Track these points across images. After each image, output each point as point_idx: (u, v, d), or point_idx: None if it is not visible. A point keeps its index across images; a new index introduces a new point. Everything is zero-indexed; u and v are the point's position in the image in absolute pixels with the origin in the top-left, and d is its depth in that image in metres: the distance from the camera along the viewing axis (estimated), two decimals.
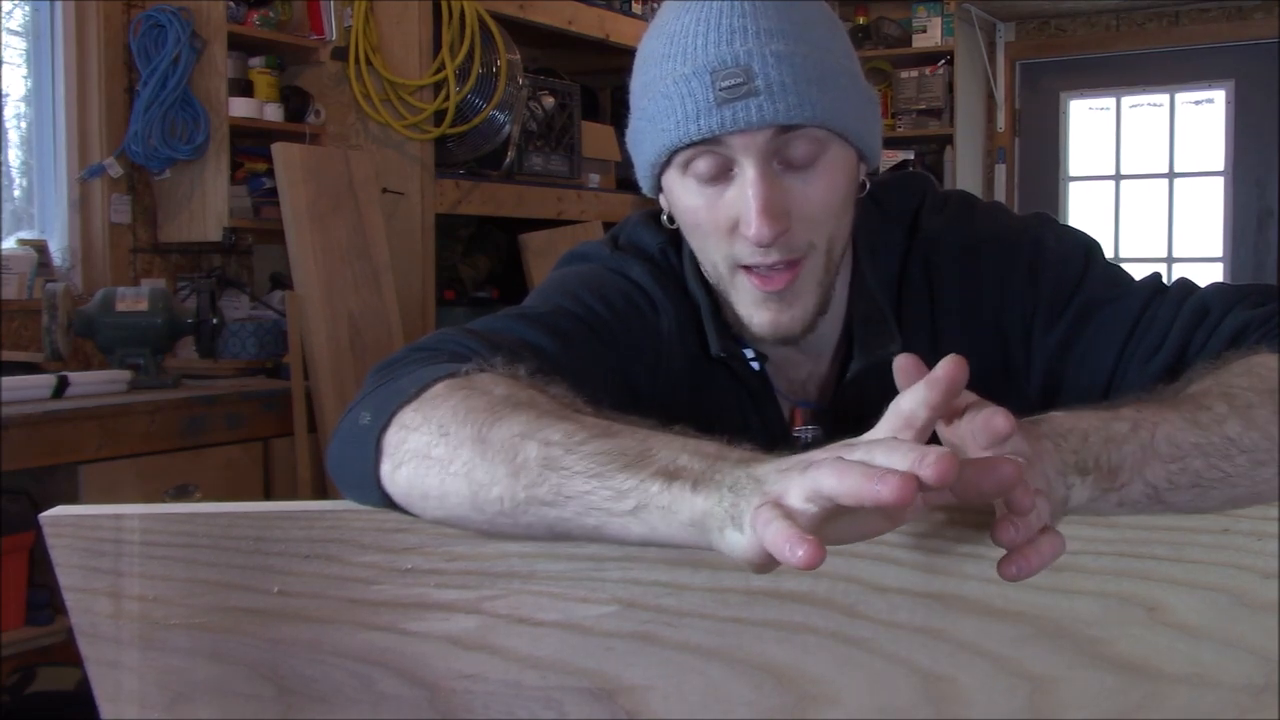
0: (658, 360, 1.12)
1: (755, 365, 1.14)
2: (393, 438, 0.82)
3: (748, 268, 1.04)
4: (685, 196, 1.04)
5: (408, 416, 0.83)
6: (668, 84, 1.00)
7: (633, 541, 0.74)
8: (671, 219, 1.11)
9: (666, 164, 1.04)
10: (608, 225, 1.12)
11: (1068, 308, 1.08)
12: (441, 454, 0.79)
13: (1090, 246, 1.12)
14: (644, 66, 1.05)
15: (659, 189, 1.09)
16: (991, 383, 1.08)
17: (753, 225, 0.99)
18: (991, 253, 1.11)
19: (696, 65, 0.99)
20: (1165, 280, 1.11)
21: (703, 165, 1.01)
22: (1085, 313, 1.08)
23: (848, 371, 1.12)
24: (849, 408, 1.13)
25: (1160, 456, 0.81)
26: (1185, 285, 1.08)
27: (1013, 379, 1.11)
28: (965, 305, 1.12)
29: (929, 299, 1.12)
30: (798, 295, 1.04)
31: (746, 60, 0.97)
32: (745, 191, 0.99)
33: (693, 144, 1.00)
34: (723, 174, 1.01)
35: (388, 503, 0.82)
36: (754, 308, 1.05)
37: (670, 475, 0.71)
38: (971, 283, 1.11)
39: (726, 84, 0.97)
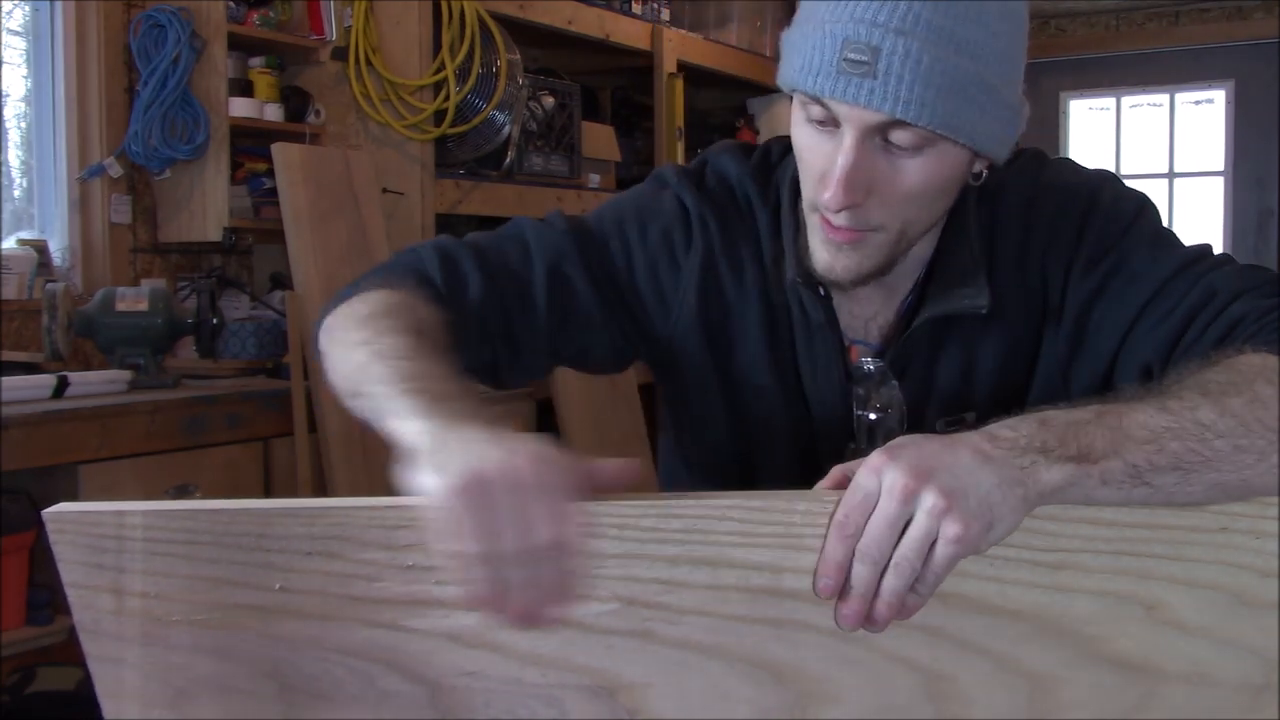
0: (682, 293, 1.19)
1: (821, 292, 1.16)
2: (325, 324, 1.08)
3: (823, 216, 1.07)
4: (799, 129, 1.08)
5: (330, 317, 1.07)
6: (812, 26, 1.02)
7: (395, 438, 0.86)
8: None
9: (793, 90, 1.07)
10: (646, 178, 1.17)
11: (1103, 261, 1.11)
12: (330, 349, 1.04)
13: (1144, 205, 1.15)
14: None
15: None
16: (1031, 325, 1.15)
17: (829, 189, 1.02)
18: (1049, 201, 1.15)
19: (837, 24, 1.00)
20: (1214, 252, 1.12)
21: (816, 112, 1.04)
22: (1117, 269, 1.11)
23: (917, 316, 1.14)
24: (911, 351, 1.16)
25: (1134, 438, 0.83)
26: (1215, 262, 1.10)
27: (1049, 323, 1.14)
28: (1020, 250, 1.14)
29: (990, 244, 1.15)
30: (858, 252, 1.08)
31: (879, 41, 0.98)
32: (837, 154, 1.02)
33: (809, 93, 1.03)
34: (832, 124, 1.03)
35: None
36: (819, 246, 1.10)
37: (415, 394, 0.87)
38: (1026, 232, 1.14)
39: (851, 56, 0.99)
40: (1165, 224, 1.15)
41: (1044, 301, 1.14)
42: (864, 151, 1.01)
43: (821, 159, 1.05)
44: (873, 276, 1.10)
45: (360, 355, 0.96)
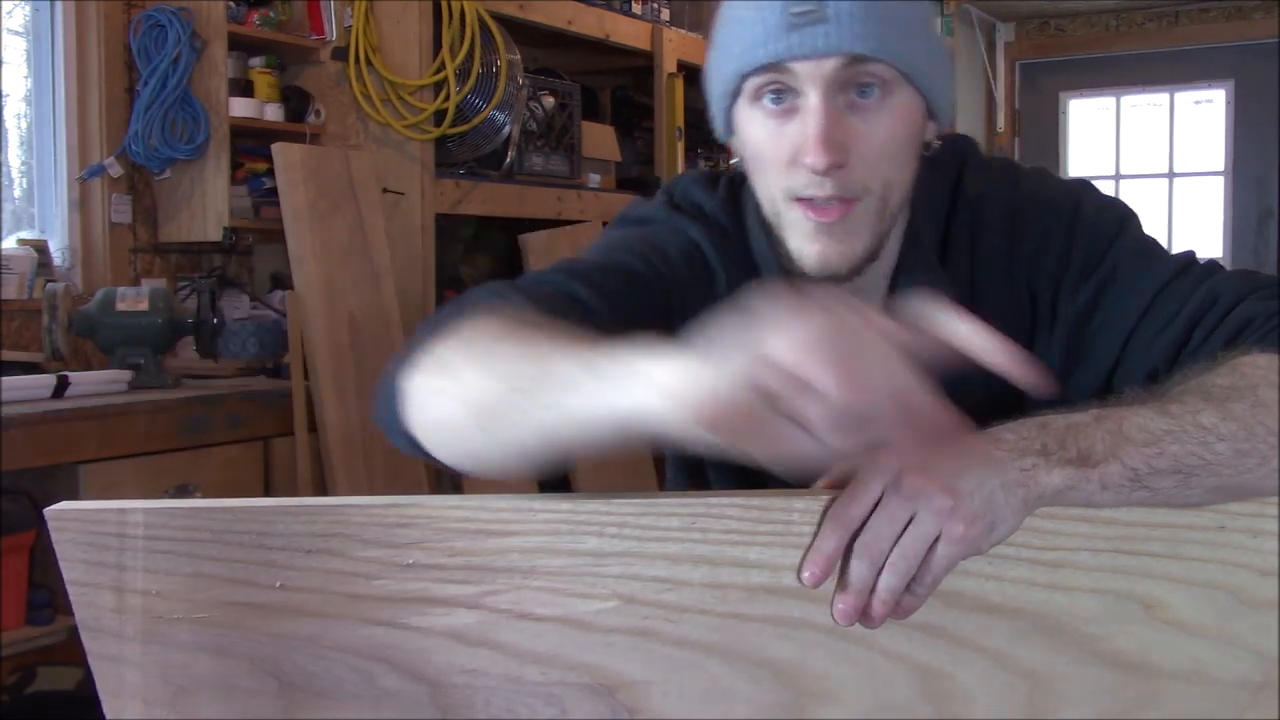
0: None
1: None
2: (413, 383, 0.90)
3: (803, 200, 1.05)
4: (752, 127, 1.06)
5: (423, 363, 0.89)
6: (741, 12, 1.03)
7: (600, 415, 0.73)
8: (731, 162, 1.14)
9: (737, 94, 1.06)
10: (607, 225, 1.13)
11: (1094, 274, 1.11)
12: (444, 384, 0.86)
13: (1127, 216, 1.14)
14: (724, 3, 1.07)
15: (731, 130, 1.11)
16: (1019, 343, 1.11)
17: (810, 152, 1.01)
18: (1032, 214, 1.14)
19: None
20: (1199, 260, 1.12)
21: (770, 94, 1.03)
22: (1110, 280, 1.10)
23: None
24: None
25: (1134, 441, 0.83)
26: (1209, 268, 1.10)
27: (1039, 335, 1.13)
28: (1004, 264, 1.14)
29: (970, 257, 1.14)
30: (849, 232, 1.05)
31: None
32: (807, 120, 1.01)
33: (762, 69, 1.02)
34: (789, 107, 1.03)
35: (415, 446, 0.91)
36: (805, 240, 1.06)
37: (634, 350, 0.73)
38: (1012, 243, 1.14)
39: (797, 10, 0.99)
40: (1147, 231, 1.15)
41: (1033, 314, 1.14)
42: (832, 109, 1.01)
43: (786, 143, 1.03)
44: (866, 261, 1.08)
45: (516, 355, 0.82)
